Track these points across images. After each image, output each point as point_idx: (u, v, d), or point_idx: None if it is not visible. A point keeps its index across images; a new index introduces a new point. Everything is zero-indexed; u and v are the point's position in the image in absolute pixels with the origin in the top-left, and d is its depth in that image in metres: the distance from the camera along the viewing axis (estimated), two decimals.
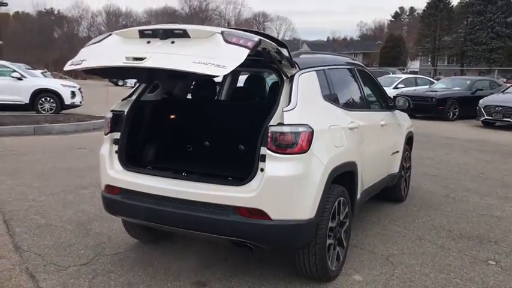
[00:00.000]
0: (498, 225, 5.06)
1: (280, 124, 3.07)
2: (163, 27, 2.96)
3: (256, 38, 2.80)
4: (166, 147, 4.00)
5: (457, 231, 4.85)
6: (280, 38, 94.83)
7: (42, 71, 24.44)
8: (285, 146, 3.06)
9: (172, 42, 2.89)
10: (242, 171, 3.22)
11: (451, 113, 15.95)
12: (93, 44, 3.19)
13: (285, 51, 3.18)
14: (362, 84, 4.48)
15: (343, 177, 3.67)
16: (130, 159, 3.60)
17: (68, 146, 9.11)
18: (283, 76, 3.31)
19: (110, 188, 3.57)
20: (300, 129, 3.10)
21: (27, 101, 14.29)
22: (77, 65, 3.00)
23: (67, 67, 3.06)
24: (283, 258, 3.79)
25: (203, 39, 2.83)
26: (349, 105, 4.08)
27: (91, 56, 3.05)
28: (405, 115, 5.97)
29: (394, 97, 5.32)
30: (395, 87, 18.50)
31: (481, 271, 3.89)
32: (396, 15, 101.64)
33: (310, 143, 3.13)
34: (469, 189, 6.63)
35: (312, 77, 3.52)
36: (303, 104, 3.24)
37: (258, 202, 3.04)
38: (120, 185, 3.49)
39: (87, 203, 5.38)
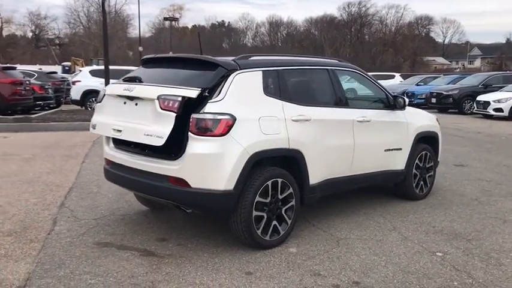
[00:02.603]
0: (494, 227, 4.98)
1: (203, 113, 3.86)
2: (129, 95, 4.19)
3: (180, 97, 3.80)
4: None
5: (441, 228, 4.94)
6: (446, 41, 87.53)
7: None
8: (205, 130, 3.84)
9: (136, 104, 4.14)
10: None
11: None
12: (99, 102, 4.63)
13: (220, 70, 4.05)
14: (336, 83, 4.91)
15: (283, 162, 4.28)
16: (120, 140, 4.68)
17: None
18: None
19: (106, 161, 4.73)
20: (219, 117, 3.85)
21: None
22: (93, 129, 4.56)
23: (91, 130, 4.62)
24: None
25: (151, 101, 3.95)
26: (305, 101, 4.55)
27: (98, 123, 4.53)
28: (422, 115, 6.13)
29: (395, 96, 5.54)
30: None
31: (415, 259, 4.10)
32: None
33: (230, 129, 3.86)
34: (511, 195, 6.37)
35: (252, 75, 4.20)
36: (231, 97, 3.97)
37: (181, 173, 3.88)
38: (110, 158, 4.62)
39: None
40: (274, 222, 4.25)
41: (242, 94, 4.09)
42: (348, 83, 5.23)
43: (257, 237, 4.12)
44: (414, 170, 5.85)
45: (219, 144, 3.85)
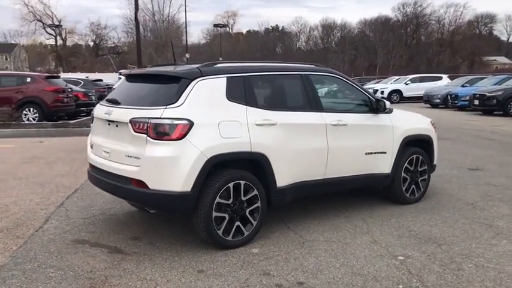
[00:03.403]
0: (474, 232, 4.87)
1: (161, 118, 4.08)
2: (109, 119, 4.50)
3: (147, 119, 4.09)
4: None
5: (417, 232, 4.89)
6: (511, 40, 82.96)
7: None
8: (162, 134, 4.06)
9: (117, 126, 4.43)
10: None
11: None
12: (92, 123, 5.00)
13: (183, 81, 4.28)
14: (309, 88, 4.98)
15: (248, 165, 4.43)
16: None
17: None
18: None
19: (89, 165, 5.05)
20: (176, 122, 4.06)
21: None
22: (91, 149, 4.94)
23: (89, 149, 5.01)
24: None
25: (126, 124, 4.23)
26: (272, 106, 4.67)
27: (94, 143, 4.87)
28: (412, 118, 6.08)
29: (377, 100, 5.52)
30: None
31: (372, 262, 4.11)
32: None
33: (187, 133, 4.06)
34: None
35: (215, 82, 4.38)
36: (190, 103, 4.17)
37: (140, 175, 4.12)
38: (91, 162, 4.93)
39: None
40: (238, 223, 4.40)
41: (202, 100, 4.27)
42: (326, 88, 5.25)
43: (217, 237, 4.28)
44: (404, 174, 5.80)
45: (176, 147, 4.06)
